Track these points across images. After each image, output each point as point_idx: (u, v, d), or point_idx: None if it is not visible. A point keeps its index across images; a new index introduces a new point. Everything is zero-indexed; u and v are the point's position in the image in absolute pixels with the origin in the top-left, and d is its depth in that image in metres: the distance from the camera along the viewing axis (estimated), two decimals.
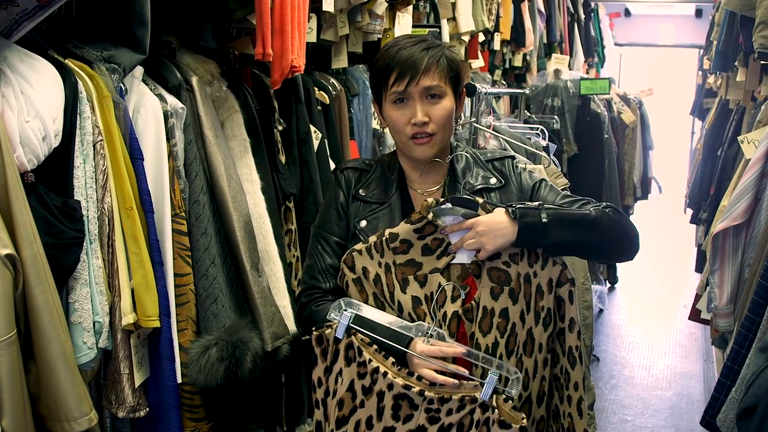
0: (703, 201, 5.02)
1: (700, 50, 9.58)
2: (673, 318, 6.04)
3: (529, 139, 2.93)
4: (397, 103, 1.73)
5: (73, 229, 1.61)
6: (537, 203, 1.68)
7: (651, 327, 5.82)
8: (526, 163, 2.49)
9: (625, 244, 1.77)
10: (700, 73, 7.18)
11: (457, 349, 1.63)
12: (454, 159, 1.82)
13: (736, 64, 3.40)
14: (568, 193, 1.84)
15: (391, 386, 1.62)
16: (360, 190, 1.83)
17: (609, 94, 4.96)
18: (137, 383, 1.79)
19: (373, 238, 1.73)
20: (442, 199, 1.70)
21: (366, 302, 1.73)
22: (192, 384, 1.85)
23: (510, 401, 1.60)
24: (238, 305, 1.95)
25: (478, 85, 2.81)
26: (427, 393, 1.60)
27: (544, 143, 2.99)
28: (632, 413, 4.34)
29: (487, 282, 1.69)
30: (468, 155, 1.85)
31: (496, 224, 1.65)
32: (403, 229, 1.71)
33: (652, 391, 4.68)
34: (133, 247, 1.73)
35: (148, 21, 1.73)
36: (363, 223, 1.79)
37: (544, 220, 1.64)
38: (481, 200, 1.69)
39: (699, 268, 5.26)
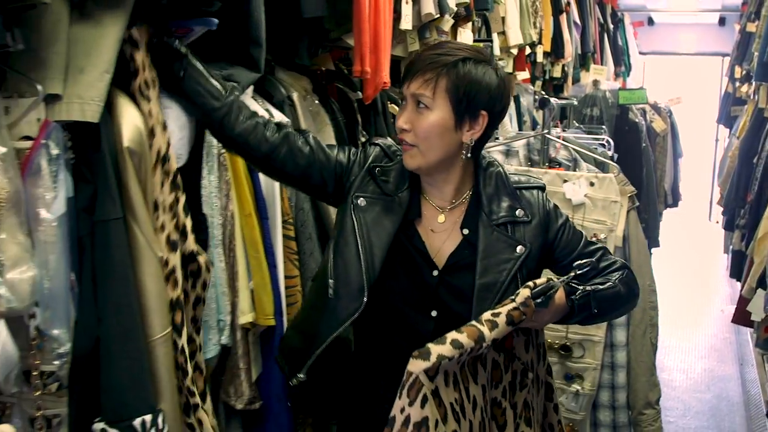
0: (738, 207, 5.13)
1: (723, 58, 9.70)
2: (707, 323, 6.14)
3: (596, 149, 3.07)
4: (401, 102, 1.67)
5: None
6: (591, 288, 1.63)
7: (685, 332, 5.92)
8: (597, 173, 2.63)
9: (628, 309, 1.82)
10: (728, 81, 7.27)
11: None
12: (482, 180, 1.72)
13: None
14: (587, 238, 1.80)
15: None
16: (377, 168, 1.73)
17: (647, 103, 5.09)
18: (254, 377, 1.93)
19: (468, 342, 1.43)
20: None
21: (444, 419, 1.44)
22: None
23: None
24: None
25: (552, 100, 2.95)
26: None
27: (610, 153, 3.13)
28: (674, 415, 4.44)
29: (522, 334, 1.66)
30: (497, 178, 1.74)
31: (555, 312, 1.61)
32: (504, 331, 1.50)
33: (691, 393, 4.78)
34: (252, 251, 1.87)
35: (263, 42, 1.87)
36: (361, 201, 1.69)
37: (595, 310, 1.63)
38: (556, 295, 1.57)
39: (734, 273, 5.37)
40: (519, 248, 1.68)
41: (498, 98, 1.65)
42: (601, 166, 2.79)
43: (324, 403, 1.87)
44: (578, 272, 1.63)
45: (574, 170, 2.85)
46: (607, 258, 1.76)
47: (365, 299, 1.63)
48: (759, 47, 3.87)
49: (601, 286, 1.66)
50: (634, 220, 2.64)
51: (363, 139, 2.49)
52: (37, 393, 1.49)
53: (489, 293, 1.65)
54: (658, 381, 2.77)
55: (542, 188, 1.78)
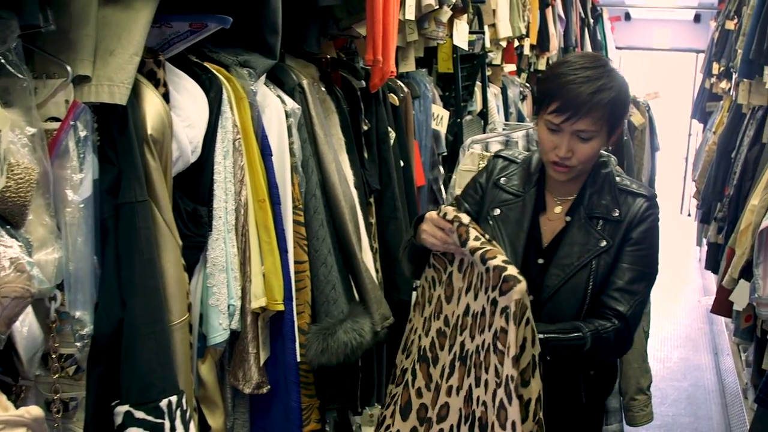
0: (715, 201, 5.24)
1: (697, 54, 9.84)
2: (681, 313, 6.26)
3: None
4: (549, 128, 1.81)
5: (198, 234, 1.75)
6: (543, 336, 1.71)
7: (660, 322, 6.02)
8: None
9: (608, 358, 1.97)
10: (705, 77, 7.39)
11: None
12: (590, 177, 1.90)
13: (765, 72, 3.59)
14: (637, 275, 1.86)
15: None
16: (501, 179, 1.96)
17: None
18: (262, 362, 1.94)
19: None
20: None
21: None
22: (309, 363, 2.01)
23: None
24: (346, 290, 2.11)
25: None
26: None
27: None
28: (653, 403, 4.53)
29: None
30: (606, 177, 1.90)
31: None
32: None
33: (668, 382, 4.88)
34: (264, 236, 1.88)
35: (279, 29, 1.88)
36: (496, 211, 1.93)
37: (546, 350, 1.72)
38: None
39: (709, 265, 5.48)
40: (603, 243, 1.85)
41: (629, 102, 1.87)
42: None
43: (345, 389, 1.92)
44: None
45: None
46: (622, 306, 1.82)
47: None
48: (743, 45, 3.95)
49: (560, 335, 1.78)
50: None
51: (366, 128, 2.51)
52: (55, 376, 1.49)
53: (561, 272, 1.86)
54: (649, 367, 2.85)
55: (649, 198, 1.90)
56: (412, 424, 1.85)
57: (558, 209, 1.93)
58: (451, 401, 1.75)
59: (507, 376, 1.56)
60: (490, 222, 1.93)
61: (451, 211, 1.74)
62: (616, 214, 1.86)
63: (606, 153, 2.95)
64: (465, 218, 1.72)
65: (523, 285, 1.56)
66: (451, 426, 1.75)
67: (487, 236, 1.74)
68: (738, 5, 5.18)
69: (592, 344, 1.78)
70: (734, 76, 4.87)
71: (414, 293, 1.95)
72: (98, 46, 1.43)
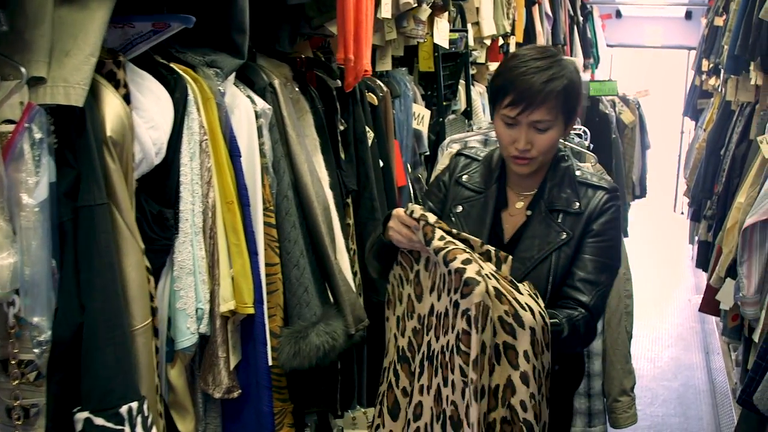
0: (705, 199, 5.21)
1: (689, 51, 9.83)
2: (672, 312, 6.23)
3: (572, 138, 3.09)
4: (505, 123, 1.82)
5: (164, 237, 1.72)
6: None
7: (652, 321, 6.00)
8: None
9: (576, 349, 2.03)
10: (696, 74, 7.37)
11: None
12: (550, 171, 1.91)
13: (751, 68, 3.57)
14: (599, 266, 1.86)
15: None
16: (463, 176, 1.98)
17: (617, 95, 5.14)
18: (232, 366, 1.91)
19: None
20: None
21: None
22: (282, 366, 1.98)
23: None
24: (320, 292, 2.08)
25: None
26: None
27: (586, 143, 3.16)
28: (642, 403, 4.50)
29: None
30: (566, 170, 1.92)
31: None
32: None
33: (659, 382, 4.86)
34: (233, 239, 1.85)
35: (247, 29, 1.85)
36: (459, 208, 1.95)
37: None
38: None
39: (700, 264, 5.46)
40: (563, 235, 1.86)
41: (581, 90, 1.87)
42: (578, 156, 2.81)
43: (324, 392, 1.92)
44: None
45: None
46: (585, 296, 1.83)
47: None
48: (729, 41, 3.93)
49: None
50: None
51: (342, 127, 2.48)
52: (15, 382, 1.47)
53: (522, 265, 1.85)
54: (632, 368, 2.82)
55: (609, 191, 1.91)
56: (403, 423, 1.83)
57: (519, 204, 1.95)
58: (424, 400, 1.74)
59: (470, 378, 1.55)
60: (453, 219, 1.95)
61: (418, 210, 1.73)
62: (576, 207, 1.87)
63: (591, 154, 2.95)
64: (431, 217, 1.70)
65: (482, 287, 1.54)
66: (425, 425, 1.73)
67: (455, 231, 1.73)
68: (726, 1, 5.16)
69: (568, 332, 1.77)
70: (722, 72, 4.85)
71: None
72: (54, 46, 1.40)
